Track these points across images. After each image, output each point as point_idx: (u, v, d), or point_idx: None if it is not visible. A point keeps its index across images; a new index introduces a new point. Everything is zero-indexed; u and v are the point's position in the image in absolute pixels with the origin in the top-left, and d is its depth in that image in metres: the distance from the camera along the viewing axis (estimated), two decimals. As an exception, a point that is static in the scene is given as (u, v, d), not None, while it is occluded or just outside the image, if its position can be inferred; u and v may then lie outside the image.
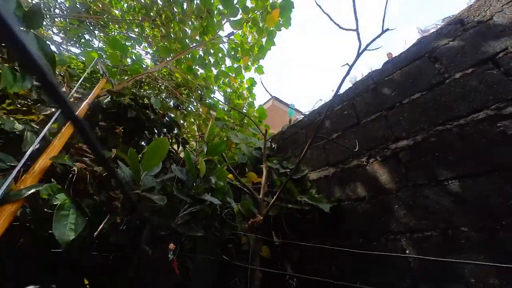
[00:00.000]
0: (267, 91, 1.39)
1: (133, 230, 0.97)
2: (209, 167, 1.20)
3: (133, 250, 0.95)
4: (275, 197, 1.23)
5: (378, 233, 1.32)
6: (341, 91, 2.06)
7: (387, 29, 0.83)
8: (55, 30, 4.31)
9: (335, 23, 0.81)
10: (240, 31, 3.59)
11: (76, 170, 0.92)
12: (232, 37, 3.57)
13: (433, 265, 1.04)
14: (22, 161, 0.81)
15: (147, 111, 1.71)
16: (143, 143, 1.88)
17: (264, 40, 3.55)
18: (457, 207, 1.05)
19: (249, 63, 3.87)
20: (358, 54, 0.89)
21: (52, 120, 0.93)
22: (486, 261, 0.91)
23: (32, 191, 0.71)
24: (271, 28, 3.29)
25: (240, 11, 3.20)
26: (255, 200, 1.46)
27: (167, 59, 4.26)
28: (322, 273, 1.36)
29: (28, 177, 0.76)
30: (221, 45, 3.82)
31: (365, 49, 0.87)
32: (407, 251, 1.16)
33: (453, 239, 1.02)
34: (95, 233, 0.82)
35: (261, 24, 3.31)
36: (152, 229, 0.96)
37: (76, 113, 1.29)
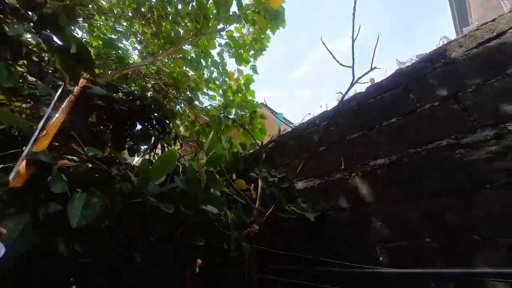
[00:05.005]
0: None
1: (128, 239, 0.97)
2: (209, 178, 1.24)
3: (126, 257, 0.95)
4: (271, 208, 1.30)
5: (357, 241, 1.46)
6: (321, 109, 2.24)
7: (375, 67, 0.98)
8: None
9: (336, 60, 0.94)
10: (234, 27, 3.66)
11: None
12: (228, 29, 3.64)
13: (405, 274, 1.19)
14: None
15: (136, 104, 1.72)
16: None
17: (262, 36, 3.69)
18: (423, 221, 1.23)
19: (250, 58, 3.97)
20: (351, 86, 1.03)
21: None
22: (445, 268, 1.08)
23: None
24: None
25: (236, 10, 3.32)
26: (246, 208, 1.51)
27: (157, 54, 4.16)
28: (307, 279, 1.46)
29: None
30: (217, 40, 3.86)
31: (356, 82, 1.01)
32: (381, 258, 1.31)
33: (419, 248, 1.19)
34: None
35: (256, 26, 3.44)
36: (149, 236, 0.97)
37: (63, 105, 1.32)
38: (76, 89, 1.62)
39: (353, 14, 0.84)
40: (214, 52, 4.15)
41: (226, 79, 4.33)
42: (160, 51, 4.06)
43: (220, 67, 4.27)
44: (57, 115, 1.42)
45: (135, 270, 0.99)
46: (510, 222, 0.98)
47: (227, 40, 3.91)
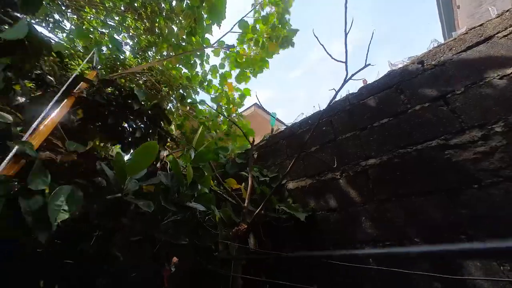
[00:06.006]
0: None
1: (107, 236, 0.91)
2: (196, 174, 1.18)
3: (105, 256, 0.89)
4: (260, 207, 1.27)
5: (346, 241, 1.44)
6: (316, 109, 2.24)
7: (369, 64, 0.97)
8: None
9: (329, 54, 0.92)
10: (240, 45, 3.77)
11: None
12: (236, 46, 3.76)
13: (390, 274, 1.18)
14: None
15: (129, 101, 1.67)
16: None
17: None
18: (412, 220, 1.23)
19: (250, 75, 4.10)
20: (344, 82, 1.02)
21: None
22: (430, 268, 1.08)
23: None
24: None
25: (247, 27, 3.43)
26: (236, 207, 1.47)
27: (153, 54, 4.09)
28: (296, 279, 1.43)
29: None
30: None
31: (350, 78, 1.00)
32: (370, 259, 1.30)
33: (408, 248, 1.19)
34: None
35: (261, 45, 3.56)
36: (128, 235, 0.92)
37: (63, 103, 1.26)
38: (76, 89, 1.57)
39: (345, 6, 0.83)
40: (216, 61, 4.20)
41: (226, 89, 4.33)
42: (153, 49, 4.00)
43: (218, 76, 4.29)
44: (54, 113, 1.36)
45: (114, 270, 0.93)
46: (496, 221, 0.99)
47: (231, 47, 3.91)
